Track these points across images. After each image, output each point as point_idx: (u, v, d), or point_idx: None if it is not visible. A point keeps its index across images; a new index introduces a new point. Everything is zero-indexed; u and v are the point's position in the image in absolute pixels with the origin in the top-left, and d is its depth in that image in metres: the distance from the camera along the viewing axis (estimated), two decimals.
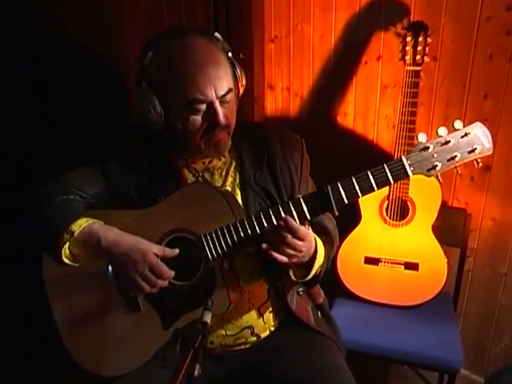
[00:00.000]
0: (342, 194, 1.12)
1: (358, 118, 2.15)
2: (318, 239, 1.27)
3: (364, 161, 2.07)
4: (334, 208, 1.13)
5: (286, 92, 2.26)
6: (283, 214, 1.15)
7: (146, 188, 1.29)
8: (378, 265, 1.94)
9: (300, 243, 1.14)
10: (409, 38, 1.77)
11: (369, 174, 1.11)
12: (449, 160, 1.10)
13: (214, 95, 1.18)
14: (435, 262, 1.87)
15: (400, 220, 1.90)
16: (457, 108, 1.95)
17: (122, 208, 1.27)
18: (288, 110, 2.27)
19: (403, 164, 1.10)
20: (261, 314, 1.34)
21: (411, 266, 1.90)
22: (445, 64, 1.92)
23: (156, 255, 1.18)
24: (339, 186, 1.12)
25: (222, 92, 1.19)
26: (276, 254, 1.14)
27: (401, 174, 1.11)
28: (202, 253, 1.19)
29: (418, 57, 1.76)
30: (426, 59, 1.77)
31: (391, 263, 1.92)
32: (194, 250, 1.20)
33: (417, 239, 1.88)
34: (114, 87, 2.14)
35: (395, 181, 1.11)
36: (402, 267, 1.91)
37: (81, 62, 2.04)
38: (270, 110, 2.31)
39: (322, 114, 2.20)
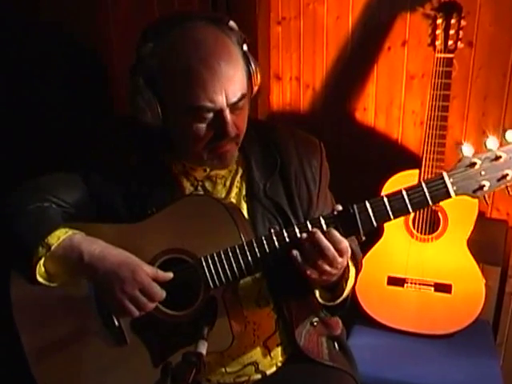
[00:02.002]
0: (371, 215, 1.10)
1: (380, 113, 2.15)
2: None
3: (387, 164, 2.09)
4: (361, 232, 1.12)
5: (295, 83, 2.26)
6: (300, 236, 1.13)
7: (136, 197, 1.27)
8: (403, 286, 1.93)
9: (339, 259, 1.12)
10: (439, 21, 1.76)
11: (403, 193, 1.09)
12: (499, 179, 1.07)
13: (225, 102, 1.15)
14: (471, 283, 1.86)
15: (429, 233, 1.89)
16: (496, 102, 1.94)
17: (107, 221, 1.26)
18: (298, 104, 2.27)
19: (445, 183, 1.07)
20: (267, 348, 1.33)
21: (442, 288, 1.89)
22: (482, 50, 1.91)
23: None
24: (368, 206, 1.10)
25: (234, 99, 1.16)
26: (308, 268, 1.12)
27: (441, 195, 1.09)
28: (202, 279, 1.18)
29: (450, 42, 1.76)
30: (460, 45, 1.76)
31: (419, 284, 1.91)
32: (192, 274, 1.18)
33: (449, 256, 1.87)
34: (95, 77, 2.15)
35: (434, 202, 1.09)
36: (432, 289, 1.91)
37: (56, 48, 2.04)
38: (277, 105, 2.30)
39: (338, 109, 2.20)
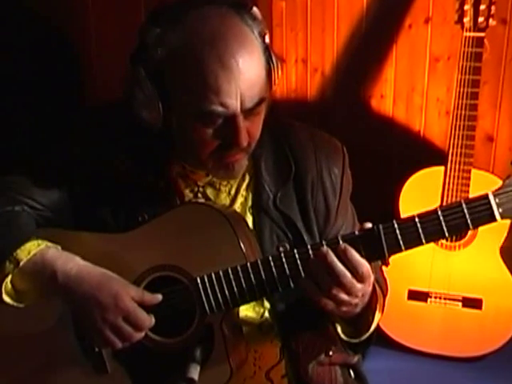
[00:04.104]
0: (399, 238, 1.07)
1: (400, 101, 2.14)
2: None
3: (407, 160, 2.08)
4: (386, 256, 1.09)
5: (301, 66, 2.25)
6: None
7: (124, 201, 1.25)
8: (426, 301, 1.93)
9: (359, 286, 1.09)
10: None
11: (439, 213, 1.06)
12: None
13: (239, 108, 1.12)
14: (504, 297, 1.86)
15: (456, 240, 1.88)
16: None
17: (88, 228, 1.25)
18: (304, 90, 2.26)
19: (489, 203, 1.04)
20: (270, 380, 1.30)
21: (472, 303, 1.89)
22: None
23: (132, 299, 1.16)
24: (396, 226, 1.07)
25: (250, 104, 1.13)
26: (321, 298, 1.09)
27: (484, 218, 1.05)
28: (197, 302, 1.16)
29: (480, 19, 1.75)
30: (492, 22, 1.75)
31: (444, 299, 1.91)
32: (186, 297, 1.17)
33: (479, 267, 1.87)
34: (67, 61, 2.16)
35: (475, 226, 1.06)
36: (460, 304, 1.90)
37: (20, 27, 2.06)
38: (280, 91, 2.30)
39: (351, 97, 2.19)
